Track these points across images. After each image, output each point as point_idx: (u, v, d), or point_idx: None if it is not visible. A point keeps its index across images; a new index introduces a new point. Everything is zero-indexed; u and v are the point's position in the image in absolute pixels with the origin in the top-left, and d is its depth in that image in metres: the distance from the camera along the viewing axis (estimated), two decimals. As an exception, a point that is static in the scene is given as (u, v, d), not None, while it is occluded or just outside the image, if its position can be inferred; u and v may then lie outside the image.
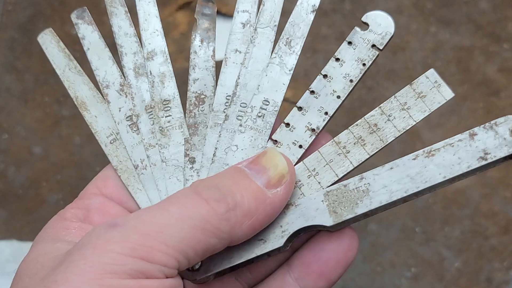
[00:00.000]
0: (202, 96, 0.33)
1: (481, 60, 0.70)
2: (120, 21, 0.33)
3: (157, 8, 0.33)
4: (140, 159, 0.32)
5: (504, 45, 0.70)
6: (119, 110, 0.33)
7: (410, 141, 0.67)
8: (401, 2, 0.73)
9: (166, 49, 0.33)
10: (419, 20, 0.72)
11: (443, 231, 0.65)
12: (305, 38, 0.32)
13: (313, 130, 0.31)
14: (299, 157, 0.30)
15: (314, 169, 0.30)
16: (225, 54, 0.32)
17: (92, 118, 0.33)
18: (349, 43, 0.31)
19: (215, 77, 0.33)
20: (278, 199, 0.27)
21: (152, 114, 0.33)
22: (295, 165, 0.30)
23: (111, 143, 0.33)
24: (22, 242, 0.67)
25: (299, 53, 0.32)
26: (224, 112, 0.32)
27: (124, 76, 0.33)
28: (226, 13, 0.74)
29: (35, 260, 0.25)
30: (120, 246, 0.23)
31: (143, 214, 0.25)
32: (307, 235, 0.30)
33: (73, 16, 0.34)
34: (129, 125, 0.33)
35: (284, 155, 0.29)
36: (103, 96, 0.33)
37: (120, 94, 0.33)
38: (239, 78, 0.32)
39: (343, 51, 0.31)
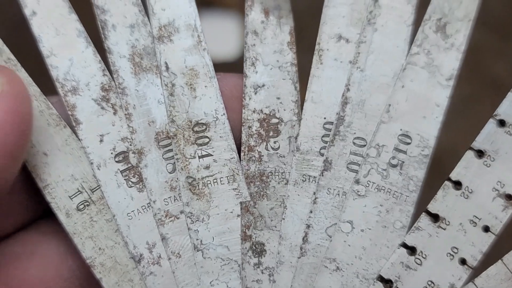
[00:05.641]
0: (275, 120, 0.17)
1: (490, 59, 0.63)
2: None
3: None
4: (148, 244, 0.16)
5: (514, 43, 0.62)
6: (100, 141, 0.16)
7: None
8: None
9: (198, 21, 0.17)
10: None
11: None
12: (471, 22, 0.17)
13: (509, 197, 0.16)
14: (484, 250, 0.16)
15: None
16: (318, 44, 0.17)
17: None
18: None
19: (297, 85, 0.17)
20: None
21: (170, 150, 0.17)
22: (472, 277, 0.16)
23: (79, 210, 0.16)
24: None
25: (462, 48, 0.17)
26: (321, 154, 0.17)
27: (110, 72, 0.17)
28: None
29: None
30: None
31: None
32: None
33: None
34: (121, 171, 0.16)
35: None
36: (58, 112, 0.16)
37: (103, 108, 0.17)
38: (348, 89, 0.17)
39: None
